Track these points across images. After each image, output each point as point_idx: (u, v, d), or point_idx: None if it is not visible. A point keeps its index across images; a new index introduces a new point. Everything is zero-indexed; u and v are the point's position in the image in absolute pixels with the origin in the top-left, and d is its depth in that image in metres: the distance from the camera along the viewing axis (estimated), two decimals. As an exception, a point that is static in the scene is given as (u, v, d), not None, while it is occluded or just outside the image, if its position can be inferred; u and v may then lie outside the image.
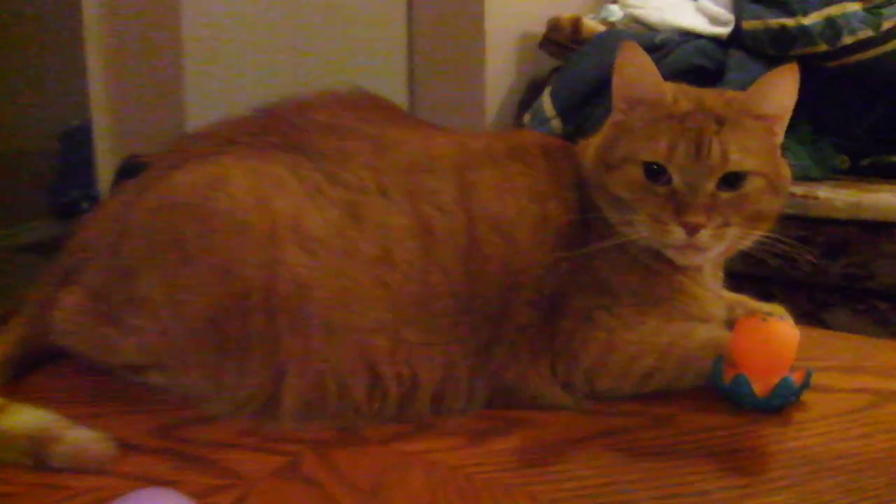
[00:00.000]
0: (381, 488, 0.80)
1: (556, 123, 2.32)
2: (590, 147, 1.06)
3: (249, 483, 0.81)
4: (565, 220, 1.00)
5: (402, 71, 2.58)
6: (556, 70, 2.55)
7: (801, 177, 2.05)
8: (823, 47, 2.16)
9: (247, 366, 0.92)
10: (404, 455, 0.87)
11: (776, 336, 0.96)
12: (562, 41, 2.51)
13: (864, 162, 2.27)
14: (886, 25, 2.15)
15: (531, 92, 2.61)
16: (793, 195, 1.56)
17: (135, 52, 2.20)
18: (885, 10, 2.18)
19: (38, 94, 4.32)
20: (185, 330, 0.94)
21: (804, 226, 1.94)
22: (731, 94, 1.02)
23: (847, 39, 2.16)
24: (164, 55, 2.15)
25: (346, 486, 0.81)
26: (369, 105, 1.10)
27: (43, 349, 1.05)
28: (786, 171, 1.01)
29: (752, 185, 0.96)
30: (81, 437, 0.84)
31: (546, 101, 2.35)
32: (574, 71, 2.37)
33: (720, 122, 0.96)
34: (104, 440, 0.85)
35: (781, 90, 0.98)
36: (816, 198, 1.96)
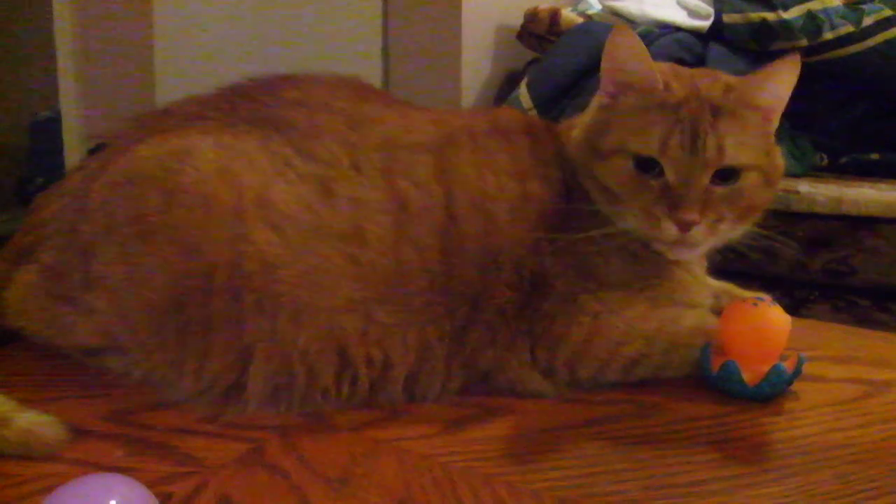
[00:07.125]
0: (350, 477, 0.76)
1: (533, 115, 2.28)
2: (574, 129, 1.02)
3: (210, 471, 0.76)
4: (548, 200, 0.96)
5: (377, 62, 2.55)
6: (532, 62, 2.52)
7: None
8: (804, 42, 2.14)
9: (210, 349, 0.87)
10: (376, 443, 0.82)
11: (767, 322, 0.92)
12: (539, 33, 2.48)
13: (843, 160, 2.25)
14: (867, 21, 2.13)
15: (508, 84, 2.59)
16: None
17: (105, 44, 2.16)
18: (865, 6, 2.16)
19: (7, 86, 4.24)
20: (144, 310, 0.89)
21: (784, 220, 1.91)
22: (726, 79, 0.98)
23: (828, 35, 2.13)
24: (135, 46, 2.10)
25: (314, 474, 0.76)
26: (343, 83, 1.06)
27: None
28: (779, 162, 0.98)
29: (748, 179, 0.93)
30: (31, 421, 0.80)
31: (523, 93, 2.31)
32: (551, 62, 2.33)
33: (716, 112, 0.92)
34: (55, 424, 0.80)
35: (782, 81, 0.95)
36: (797, 192, 1.93)
